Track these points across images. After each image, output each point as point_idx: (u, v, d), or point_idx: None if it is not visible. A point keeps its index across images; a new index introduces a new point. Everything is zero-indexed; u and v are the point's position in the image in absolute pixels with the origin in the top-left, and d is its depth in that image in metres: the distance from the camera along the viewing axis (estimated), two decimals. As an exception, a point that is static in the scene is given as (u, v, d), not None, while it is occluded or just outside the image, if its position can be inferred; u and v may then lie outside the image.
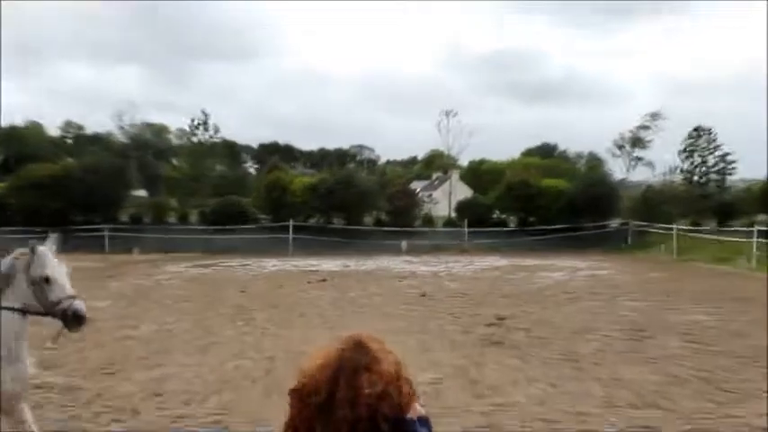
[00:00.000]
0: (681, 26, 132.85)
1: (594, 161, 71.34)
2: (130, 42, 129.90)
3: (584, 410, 10.44)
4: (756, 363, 13.04)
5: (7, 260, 7.12)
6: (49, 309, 6.92)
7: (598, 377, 12.29)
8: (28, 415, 7.28)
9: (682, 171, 55.29)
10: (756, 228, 34.81)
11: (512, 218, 47.71)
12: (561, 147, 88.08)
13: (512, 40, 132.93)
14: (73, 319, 6.89)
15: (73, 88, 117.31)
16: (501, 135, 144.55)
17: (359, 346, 2.79)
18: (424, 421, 2.78)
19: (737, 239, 35.38)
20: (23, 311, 6.99)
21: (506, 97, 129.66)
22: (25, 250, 7.11)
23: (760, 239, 32.29)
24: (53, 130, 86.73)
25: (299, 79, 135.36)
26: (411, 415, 2.73)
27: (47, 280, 6.93)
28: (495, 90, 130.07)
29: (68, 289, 7.01)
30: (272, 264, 34.42)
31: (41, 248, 7.09)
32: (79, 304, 6.99)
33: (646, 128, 58.86)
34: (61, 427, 9.91)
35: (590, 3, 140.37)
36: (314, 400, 2.69)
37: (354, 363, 2.71)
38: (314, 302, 20.28)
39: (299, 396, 2.77)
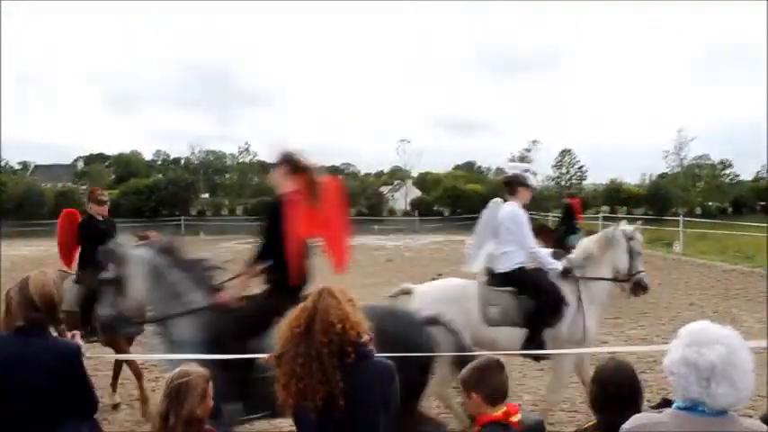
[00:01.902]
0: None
1: (499, 172, 71.51)
2: (197, 93, 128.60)
3: (493, 333, 10.48)
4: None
5: (614, 232, 6.33)
6: (628, 277, 6.19)
7: (502, 311, 12.30)
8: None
9: (553, 179, 55.54)
10: (601, 215, 35.11)
11: (446, 210, 47.69)
12: (478, 163, 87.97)
13: (447, 91, 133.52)
14: (641, 288, 6.20)
15: (160, 126, 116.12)
16: (439, 155, 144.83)
17: (328, 292, 2.91)
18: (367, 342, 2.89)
19: (590, 222, 35.67)
20: (615, 280, 6.21)
21: (444, 129, 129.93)
22: (627, 227, 6.39)
23: (603, 222, 32.57)
24: (148, 155, 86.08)
25: (311, 121, 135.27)
26: (364, 339, 2.80)
27: (638, 254, 6.23)
28: (436, 124, 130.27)
29: (642, 264, 6.25)
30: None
31: (631, 229, 6.36)
32: (647, 277, 6.30)
33: (528, 150, 59.37)
34: (154, 348, 9.80)
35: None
36: (296, 330, 2.78)
37: (326, 304, 2.80)
38: (317, 266, 20.11)
39: (288, 327, 2.88)
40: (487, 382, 3.03)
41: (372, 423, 2.84)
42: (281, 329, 2.92)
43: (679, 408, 2.04)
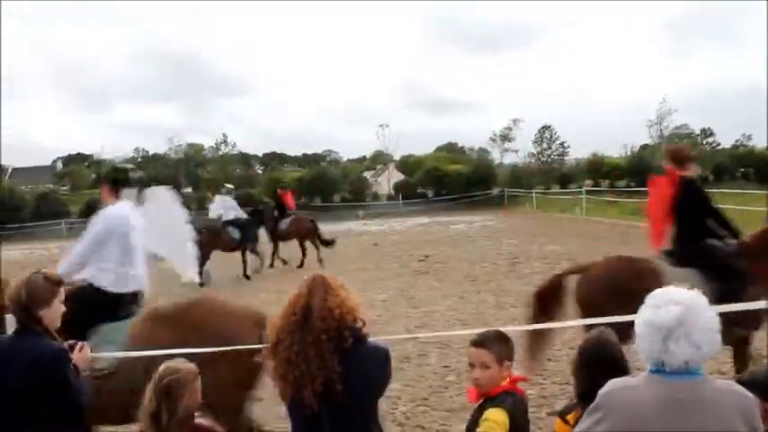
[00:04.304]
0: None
1: (482, 152, 71.55)
2: (169, 85, 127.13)
3: (482, 311, 10.54)
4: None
5: None
6: None
7: (490, 290, 12.37)
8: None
9: (535, 155, 55.64)
10: (584, 189, 35.30)
11: (430, 191, 47.71)
12: (460, 143, 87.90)
13: (426, 73, 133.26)
14: None
15: (134, 122, 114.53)
16: (421, 137, 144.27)
17: (322, 280, 2.94)
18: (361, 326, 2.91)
19: (573, 197, 35.82)
20: None
21: (422, 111, 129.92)
22: None
23: (586, 196, 32.71)
24: (127, 153, 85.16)
25: (288, 106, 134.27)
26: (358, 324, 2.83)
27: None
28: (415, 106, 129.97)
29: None
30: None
31: None
32: None
33: (509, 129, 59.38)
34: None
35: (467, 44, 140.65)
36: (293, 318, 2.80)
37: (321, 291, 2.84)
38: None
39: (283, 316, 2.90)
40: (512, 349, 3.17)
41: (369, 406, 2.87)
42: (274, 320, 2.93)
43: (651, 371, 2.09)
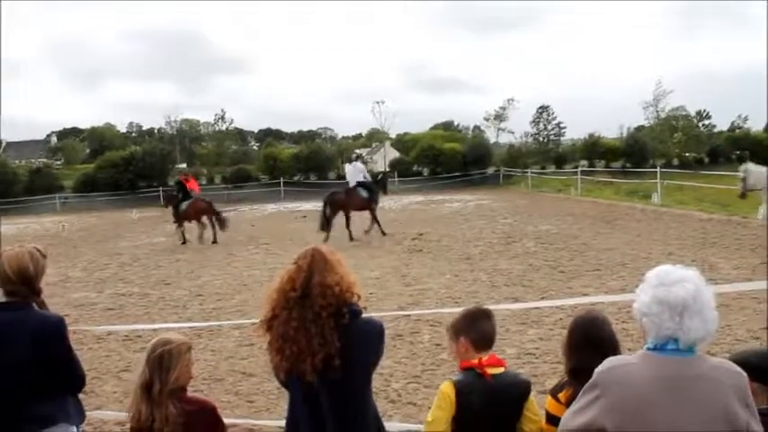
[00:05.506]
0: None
1: (477, 131, 71.41)
2: (166, 62, 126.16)
3: (476, 290, 10.54)
4: (583, 254, 13.25)
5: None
6: None
7: (484, 269, 12.36)
8: None
9: (532, 135, 55.45)
10: (579, 169, 35.25)
11: (425, 170, 47.59)
12: (456, 122, 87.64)
13: (422, 52, 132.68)
14: None
15: (130, 98, 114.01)
16: (417, 115, 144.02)
17: (320, 254, 2.87)
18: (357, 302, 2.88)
19: (568, 177, 35.80)
20: None
21: (421, 89, 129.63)
22: None
23: (582, 177, 32.68)
24: (121, 128, 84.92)
25: (285, 83, 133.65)
26: (354, 299, 2.79)
27: None
28: (413, 85, 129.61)
29: None
30: (270, 207, 34.17)
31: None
32: None
33: (503, 108, 59.19)
34: (137, 320, 9.80)
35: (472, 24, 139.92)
36: (291, 294, 2.75)
37: (321, 266, 2.79)
38: (299, 232, 20.23)
39: (280, 291, 2.83)
40: (476, 328, 3.04)
41: (364, 379, 2.86)
42: (270, 294, 2.87)
43: (649, 349, 2.10)
